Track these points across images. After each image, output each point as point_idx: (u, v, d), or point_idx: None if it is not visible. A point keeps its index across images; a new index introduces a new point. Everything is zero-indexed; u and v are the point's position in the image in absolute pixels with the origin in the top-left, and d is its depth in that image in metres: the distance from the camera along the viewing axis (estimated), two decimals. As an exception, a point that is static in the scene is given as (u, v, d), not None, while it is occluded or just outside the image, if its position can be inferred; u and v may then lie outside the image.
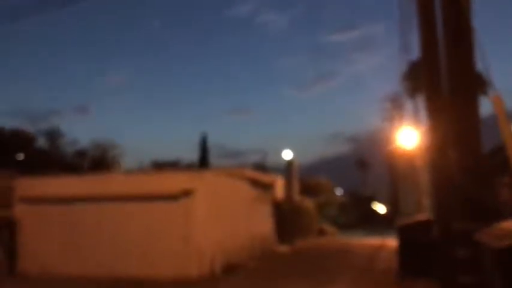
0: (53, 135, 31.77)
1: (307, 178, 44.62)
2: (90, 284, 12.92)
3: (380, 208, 56.40)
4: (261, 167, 39.43)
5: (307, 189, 39.93)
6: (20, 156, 27.12)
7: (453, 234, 6.99)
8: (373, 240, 25.71)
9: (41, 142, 31.42)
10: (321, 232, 34.98)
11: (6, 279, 14.21)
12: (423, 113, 9.90)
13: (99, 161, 32.44)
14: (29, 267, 15.03)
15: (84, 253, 14.87)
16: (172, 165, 37.94)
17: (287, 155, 34.41)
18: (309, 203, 34.67)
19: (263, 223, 21.50)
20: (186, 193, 14.45)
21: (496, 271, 4.40)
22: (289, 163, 33.83)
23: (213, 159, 50.46)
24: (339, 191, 60.06)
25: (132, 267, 14.10)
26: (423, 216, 14.99)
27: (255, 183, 20.94)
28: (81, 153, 33.12)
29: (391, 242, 18.43)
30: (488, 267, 4.95)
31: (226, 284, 13.09)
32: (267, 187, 23.27)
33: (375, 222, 47.66)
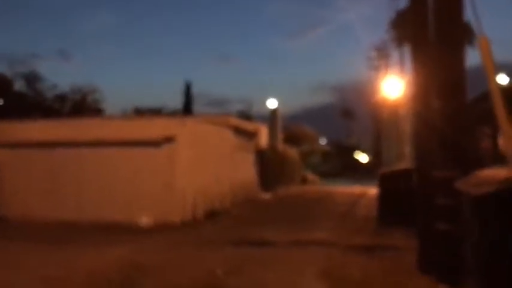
0: (32, 79, 30.97)
1: (291, 127, 44.72)
2: (72, 229, 12.93)
3: (363, 157, 57.06)
4: (245, 116, 39.29)
5: (291, 139, 40.09)
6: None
7: (433, 183, 7.01)
8: (355, 189, 26.10)
9: (19, 86, 30.68)
10: (304, 180, 35.42)
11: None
12: (409, 63, 9.76)
13: (79, 106, 31.88)
14: (11, 213, 14.95)
15: (66, 198, 14.81)
16: (156, 112, 37.57)
17: (272, 104, 34.26)
18: (292, 152, 34.87)
19: (246, 171, 21.58)
20: (169, 139, 14.32)
21: (474, 218, 4.40)
22: (274, 112, 33.75)
23: (197, 107, 50.12)
24: (322, 141, 60.44)
25: (114, 212, 14.10)
26: (404, 165, 15.14)
27: (239, 131, 20.86)
28: (61, 98, 32.44)
29: (373, 190, 18.69)
30: (467, 214, 4.96)
31: (209, 229, 13.22)
32: (250, 135, 23.23)
33: (357, 172, 48.33)
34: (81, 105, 32.05)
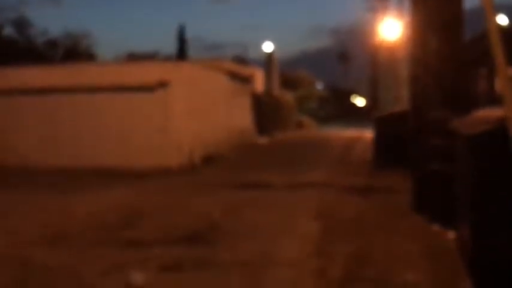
0: (21, 24, 30.27)
1: (287, 72, 44.33)
2: (69, 175, 13.01)
3: (359, 102, 56.98)
4: (240, 60, 38.80)
5: (288, 83, 39.83)
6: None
7: (428, 124, 7.00)
8: (351, 133, 26.20)
9: (9, 31, 29.98)
10: (300, 125, 35.51)
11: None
12: (407, 4, 9.52)
13: (71, 51, 31.31)
14: (7, 160, 14.97)
15: (62, 145, 14.80)
16: (150, 57, 37.01)
17: (267, 47, 33.80)
18: (288, 97, 34.75)
19: (242, 115, 21.55)
20: (163, 84, 14.18)
21: (468, 157, 4.41)
22: (269, 56, 33.34)
23: (192, 52, 49.40)
24: (319, 85, 60.08)
25: (110, 158, 14.15)
26: (400, 108, 15.11)
27: (234, 76, 20.66)
28: (52, 43, 31.82)
29: (369, 134, 18.77)
30: (461, 154, 4.97)
31: (205, 174, 13.33)
32: (246, 80, 23.04)
33: (354, 116, 48.39)
34: (74, 51, 31.46)
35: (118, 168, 13.57)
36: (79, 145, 14.70)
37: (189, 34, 71.81)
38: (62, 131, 14.96)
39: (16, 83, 15.08)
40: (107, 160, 14.12)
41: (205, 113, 16.30)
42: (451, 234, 5.84)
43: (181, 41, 43.77)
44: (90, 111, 14.81)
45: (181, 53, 41.93)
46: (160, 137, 14.16)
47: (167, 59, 37.03)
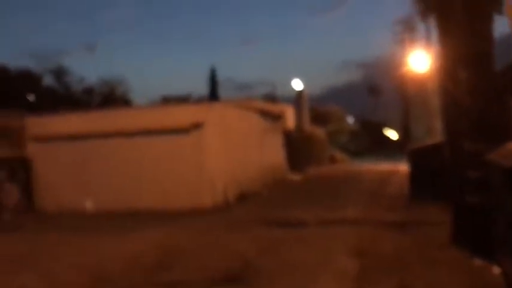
0: (60, 73, 31.59)
1: (317, 107, 44.42)
2: (106, 217, 13.25)
3: (391, 134, 56.41)
4: (270, 98, 39.18)
5: (318, 118, 39.86)
6: (31, 97, 27.16)
7: (463, 156, 6.92)
8: (384, 166, 25.89)
9: (49, 81, 31.35)
10: (333, 160, 35.28)
11: (26, 216, 14.60)
12: (435, 35, 9.55)
13: (107, 97, 32.37)
14: (46, 204, 15.40)
15: (99, 188, 15.13)
16: (183, 100, 37.82)
17: (297, 84, 34.11)
18: (319, 132, 34.72)
19: (274, 152, 21.64)
20: (197, 125, 14.46)
21: (505, 190, 4.35)
22: (299, 93, 33.60)
23: (223, 92, 50.17)
24: (350, 119, 59.83)
25: (146, 200, 14.38)
26: (434, 140, 14.94)
27: (265, 114, 20.88)
28: (89, 91, 33.02)
29: (403, 167, 18.52)
30: (498, 186, 4.90)
31: (240, 212, 13.35)
32: (277, 117, 23.22)
33: (386, 148, 47.82)
34: (110, 97, 32.52)
35: (154, 209, 13.76)
36: (116, 188, 14.98)
37: (220, 75, 73.04)
38: (98, 175, 15.31)
39: (54, 130, 15.64)
40: (144, 201, 14.35)
41: (238, 152, 16.47)
42: (495, 270, 5.68)
43: (213, 82, 44.64)
44: (126, 155, 15.15)
45: (214, 94, 42.69)
46: (195, 177, 14.35)
47: (200, 100, 37.76)
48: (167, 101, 38.78)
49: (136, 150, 15.06)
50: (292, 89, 34.01)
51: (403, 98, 35.12)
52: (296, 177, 22.44)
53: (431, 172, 11.33)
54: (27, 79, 29.99)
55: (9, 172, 15.25)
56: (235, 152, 16.24)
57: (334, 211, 11.96)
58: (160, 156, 14.86)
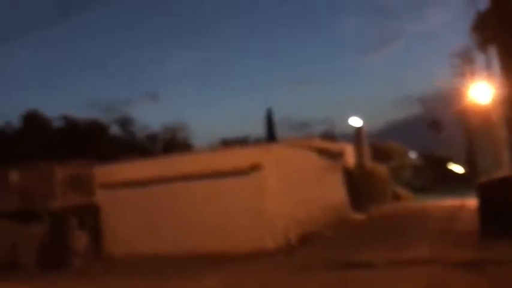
0: (125, 122, 33.12)
1: (377, 143, 43.69)
2: (171, 261, 13.43)
3: (456, 168, 54.38)
4: (329, 136, 39.03)
5: (379, 155, 39.12)
6: (100, 145, 28.45)
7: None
8: (451, 202, 24.87)
9: (115, 130, 32.94)
10: (396, 197, 34.31)
11: (94, 261, 15.07)
12: (496, 66, 9.31)
13: (170, 143, 33.44)
14: (113, 249, 15.84)
15: (163, 232, 15.43)
16: (241, 142, 38.37)
17: (355, 122, 33.84)
18: (381, 169, 34.00)
19: (336, 191, 21.35)
20: (256, 167, 14.57)
21: None
22: (358, 130, 33.27)
23: (280, 132, 50.51)
24: (412, 154, 58.32)
25: (209, 243, 14.50)
26: (503, 172, 14.29)
27: (324, 152, 20.76)
28: (152, 137, 34.30)
29: (471, 202, 17.74)
30: None
31: (303, 254, 13.16)
32: (336, 156, 23.01)
33: (452, 183, 46.02)
34: (172, 143, 33.60)
35: (217, 252, 13.82)
36: (179, 232, 15.23)
37: (277, 115, 73.68)
38: (163, 219, 15.66)
39: (120, 178, 16.24)
40: (206, 245, 14.47)
41: (298, 192, 16.38)
42: None
43: (270, 123, 45.09)
44: (188, 198, 15.45)
45: (271, 135, 43.05)
46: (256, 220, 14.36)
47: (258, 142, 38.19)
48: (226, 143, 39.46)
49: (197, 193, 15.33)
50: (351, 126, 33.78)
51: (467, 131, 34.02)
52: (359, 216, 21.94)
53: (503, 206, 10.80)
54: (95, 129, 31.55)
55: (79, 219, 15.88)
56: (295, 192, 16.17)
57: (402, 251, 11.55)
58: (221, 199, 15.03)
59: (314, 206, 17.45)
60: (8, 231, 15.06)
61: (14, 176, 19.28)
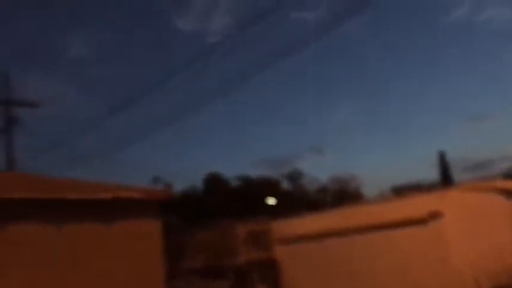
0: (295, 177, 34.18)
1: None
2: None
3: None
4: (513, 175, 35.36)
5: None
6: (273, 201, 29.69)
7: None
8: None
9: (285, 185, 34.16)
10: None
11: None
12: None
13: (340, 195, 33.45)
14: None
15: (341, 285, 15.24)
16: (413, 189, 36.72)
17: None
18: None
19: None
20: (435, 215, 13.82)
21: None
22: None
23: (455, 174, 47.25)
24: None
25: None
26: None
27: (510, 193, 18.85)
28: (322, 190, 34.73)
29: None
30: None
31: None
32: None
33: None
34: (342, 194, 33.60)
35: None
36: (357, 284, 14.91)
37: (448, 155, 69.39)
38: (340, 273, 15.50)
39: (296, 232, 16.62)
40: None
41: (486, 239, 15.00)
42: None
43: (444, 166, 42.63)
44: (364, 251, 15.13)
45: (446, 179, 40.58)
46: (439, 270, 13.47)
47: (432, 187, 36.20)
48: (397, 191, 38.13)
49: (373, 245, 14.95)
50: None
51: None
52: None
53: None
54: (267, 185, 33.07)
55: (260, 274, 16.52)
56: (483, 239, 14.82)
57: None
58: (399, 250, 14.45)
59: (508, 255, 15.76)
60: (197, 287, 16.24)
61: (200, 236, 20.90)
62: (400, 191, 36.23)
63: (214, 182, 33.85)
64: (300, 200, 31.20)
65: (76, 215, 10.54)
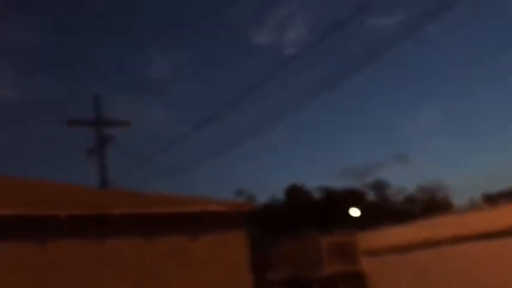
0: (380, 187, 33.31)
1: None
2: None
3: None
4: None
5: None
6: (356, 212, 29.14)
7: None
8: None
9: (371, 196, 33.39)
10: None
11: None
12: None
13: (428, 204, 32.14)
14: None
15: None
16: (506, 196, 34.46)
17: None
18: None
19: None
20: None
21: None
22: None
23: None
24: None
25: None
26: None
27: None
28: (409, 200, 33.56)
29: None
30: None
31: None
32: None
33: None
34: (430, 204, 32.27)
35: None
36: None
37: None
38: (432, 283, 14.90)
39: (383, 243, 16.17)
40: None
41: None
42: None
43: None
44: (458, 262, 14.47)
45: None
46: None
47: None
48: (489, 198, 35.97)
49: (468, 256, 14.24)
50: None
51: None
52: None
53: None
54: (351, 197, 32.51)
55: (347, 285, 16.24)
56: None
57: None
58: (494, 261, 13.67)
59: None
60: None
61: (283, 247, 20.92)
62: (492, 199, 34.19)
63: (295, 193, 33.80)
64: (385, 210, 30.34)
65: (165, 229, 10.92)
